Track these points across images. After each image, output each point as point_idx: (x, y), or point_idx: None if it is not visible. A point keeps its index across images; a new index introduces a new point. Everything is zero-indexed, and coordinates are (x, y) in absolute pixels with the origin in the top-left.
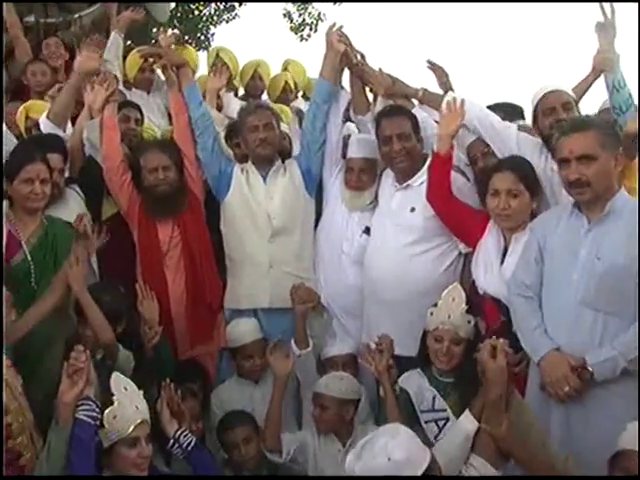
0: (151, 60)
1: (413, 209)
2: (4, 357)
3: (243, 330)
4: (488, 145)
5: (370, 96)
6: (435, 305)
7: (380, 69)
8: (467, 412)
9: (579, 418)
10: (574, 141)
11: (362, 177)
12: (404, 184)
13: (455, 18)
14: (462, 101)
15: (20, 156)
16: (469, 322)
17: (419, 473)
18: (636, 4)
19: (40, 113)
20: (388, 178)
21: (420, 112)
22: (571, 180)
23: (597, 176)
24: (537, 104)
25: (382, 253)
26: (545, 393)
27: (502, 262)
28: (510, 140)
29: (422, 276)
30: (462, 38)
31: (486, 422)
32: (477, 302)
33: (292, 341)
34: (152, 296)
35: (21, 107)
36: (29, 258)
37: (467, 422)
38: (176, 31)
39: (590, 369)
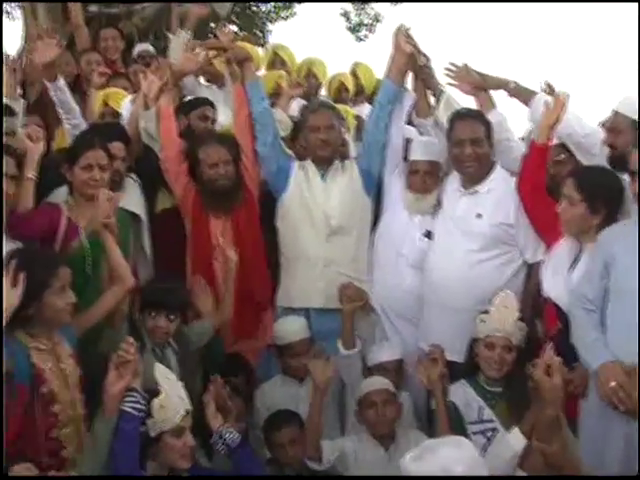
0: (213, 54)
1: (479, 215)
2: (67, 346)
3: (290, 328)
4: (561, 152)
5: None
6: (485, 312)
7: (465, 64)
8: (516, 430)
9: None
10: None
11: (426, 180)
12: (471, 189)
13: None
14: (567, 95)
15: (81, 143)
16: (521, 330)
17: None
18: (636, 4)
19: (118, 102)
20: (453, 182)
21: (498, 115)
22: None
23: None
24: None
25: (446, 258)
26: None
27: (571, 269)
28: (592, 142)
29: (486, 283)
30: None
31: (539, 439)
32: (539, 305)
33: (339, 341)
34: (208, 290)
35: (100, 93)
36: (86, 244)
37: (516, 440)
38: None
39: None
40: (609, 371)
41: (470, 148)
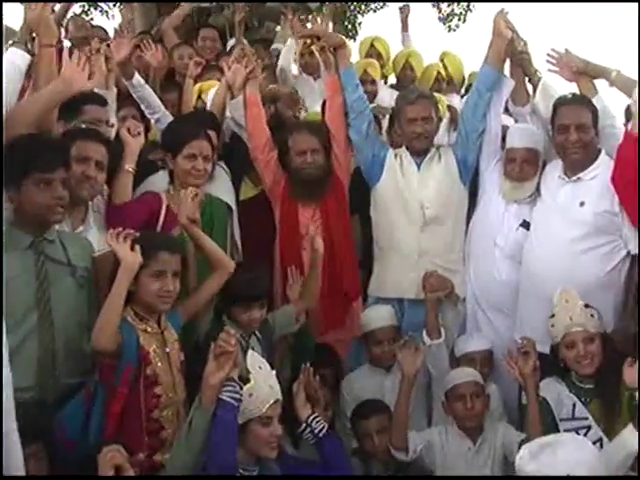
0: (309, 41)
1: (582, 203)
2: (173, 331)
3: (374, 315)
4: None
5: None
6: (552, 316)
7: (566, 49)
8: (631, 427)
9: None
10: None
11: (525, 167)
12: (574, 177)
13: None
14: None
15: (185, 131)
16: (592, 315)
17: None
18: (636, 4)
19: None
20: (554, 170)
21: (601, 101)
22: None
23: None
24: None
25: (546, 247)
26: None
27: None
28: None
29: (588, 273)
30: None
31: None
32: None
33: (424, 331)
34: (299, 279)
35: (196, 87)
36: (185, 234)
37: (631, 438)
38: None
39: None
40: None
41: (576, 134)
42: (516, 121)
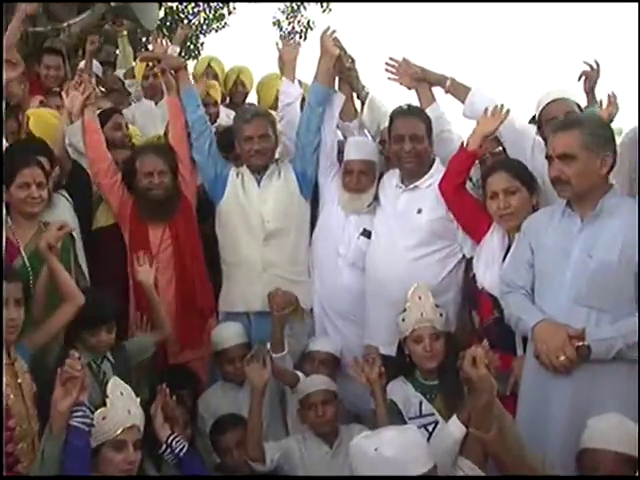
0: (150, 64)
1: (420, 210)
2: (23, 362)
3: (225, 334)
4: (499, 144)
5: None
6: (404, 311)
7: (404, 58)
8: (454, 418)
9: (583, 396)
10: (557, 140)
11: (361, 179)
12: (411, 185)
13: (450, 19)
14: (508, 110)
15: (15, 161)
16: (441, 315)
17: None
18: (636, 4)
19: (38, 122)
20: (392, 179)
21: (438, 108)
22: (551, 177)
23: (577, 175)
24: (541, 112)
25: (387, 254)
26: (539, 363)
27: (504, 260)
28: (526, 141)
29: (427, 276)
30: (457, 40)
31: (475, 427)
32: (474, 296)
33: (268, 345)
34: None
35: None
36: (27, 264)
37: (455, 427)
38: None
39: (588, 344)
40: (550, 332)
41: (409, 144)
42: (344, 136)
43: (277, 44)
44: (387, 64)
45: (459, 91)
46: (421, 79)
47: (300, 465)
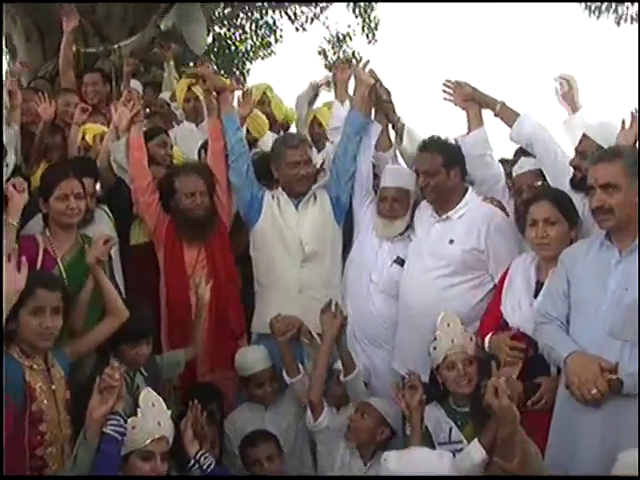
0: (194, 80)
1: (452, 241)
2: (60, 369)
3: (253, 359)
4: (538, 178)
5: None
6: (434, 339)
7: (457, 80)
8: (475, 441)
9: (612, 428)
10: (600, 170)
11: (395, 206)
12: (444, 216)
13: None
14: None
15: (53, 174)
16: (471, 339)
17: None
18: (636, 4)
19: (93, 136)
20: (427, 209)
21: (484, 132)
22: (594, 207)
23: (620, 205)
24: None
25: (419, 282)
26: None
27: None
28: (565, 174)
29: (457, 306)
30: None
31: (499, 456)
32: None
33: (284, 371)
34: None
35: (81, 128)
36: (64, 275)
37: (475, 451)
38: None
39: (620, 378)
40: (582, 365)
41: (423, 179)
42: (377, 166)
43: (332, 67)
44: (444, 84)
45: (508, 115)
46: (471, 99)
47: (338, 468)
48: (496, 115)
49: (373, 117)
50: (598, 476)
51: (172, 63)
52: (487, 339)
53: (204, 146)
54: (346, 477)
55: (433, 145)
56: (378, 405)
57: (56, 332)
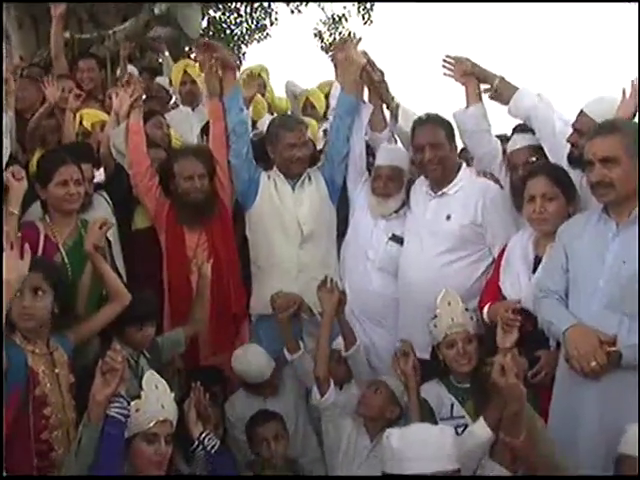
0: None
1: (449, 217)
2: (63, 352)
3: (259, 366)
4: (532, 155)
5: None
6: (435, 317)
7: (457, 56)
8: (481, 420)
9: (612, 401)
10: (598, 144)
11: (389, 184)
12: (439, 192)
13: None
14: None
15: (51, 160)
16: (472, 318)
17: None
18: (636, 4)
19: (91, 121)
20: (422, 187)
21: (482, 107)
22: (593, 182)
23: (620, 179)
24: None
25: (418, 260)
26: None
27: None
28: (563, 147)
29: (457, 282)
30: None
31: (505, 433)
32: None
33: (285, 349)
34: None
35: (78, 113)
36: (66, 260)
37: (481, 430)
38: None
39: (619, 350)
40: (581, 337)
41: (430, 152)
42: (372, 147)
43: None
44: (444, 60)
45: (507, 89)
46: (470, 73)
47: (345, 445)
48: (495, 90)
49: (367, 98)
50: (598, 476)
51: (167, 54)
52: (485, 309)
53: (204, 129)
54: (353, 477)
55: (435, 119)
56: (391, 383)
57: (38, 312)
